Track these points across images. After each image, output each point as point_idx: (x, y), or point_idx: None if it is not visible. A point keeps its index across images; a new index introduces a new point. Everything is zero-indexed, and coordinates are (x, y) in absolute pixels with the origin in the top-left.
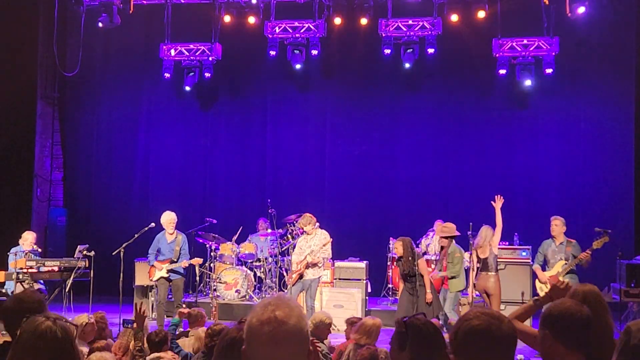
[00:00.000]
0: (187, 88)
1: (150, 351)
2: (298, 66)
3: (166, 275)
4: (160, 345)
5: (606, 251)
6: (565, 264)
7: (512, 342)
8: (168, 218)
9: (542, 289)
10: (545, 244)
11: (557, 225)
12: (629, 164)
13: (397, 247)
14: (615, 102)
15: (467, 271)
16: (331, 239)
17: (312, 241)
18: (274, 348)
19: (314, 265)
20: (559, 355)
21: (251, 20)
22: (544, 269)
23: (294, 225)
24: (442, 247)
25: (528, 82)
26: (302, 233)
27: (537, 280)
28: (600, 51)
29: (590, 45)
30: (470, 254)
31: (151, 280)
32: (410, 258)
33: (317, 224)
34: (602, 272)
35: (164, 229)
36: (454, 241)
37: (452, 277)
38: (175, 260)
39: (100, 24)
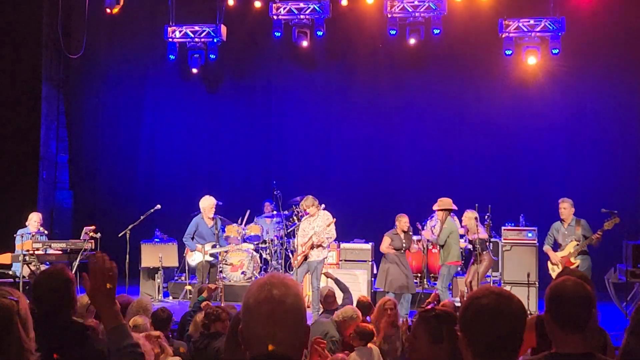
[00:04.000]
0: (193, 70)
1: (155, 328)
2: (303, 47)
3: (211, 259)
4: (166, 323)
5: (612, 232)
6: (577, 244)
7: (521, 321)
8: (210, 203)
9: (554, 270)
10: (555, 226)
11: (566, 208)
12: (636, 145)
13: (405, 221)
14: (623, 83)
15: (470, 251)
16: (335, 219)
17: (315, 222)
18: (273, 327)
19: (319, 246)
20: (555, 336)
21: (256, 2)
22: (555, 251)
23: (299, 207)
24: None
25: (532, 67)
26: (306, 214)
27: (548, 262)
28: (608, 31)
29: (597, 25)
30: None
31: (191, 263)
32: (411, 234)
33: (323, 205)
34: (608, 253)
35: (200, 213)
36: (450, 215)
37: (441, 247)
38: (217, 244)
39: (107, 10)
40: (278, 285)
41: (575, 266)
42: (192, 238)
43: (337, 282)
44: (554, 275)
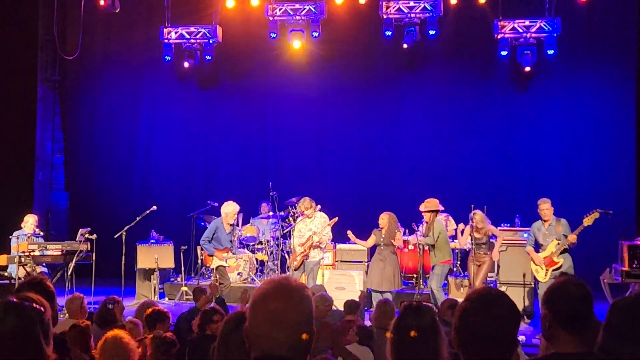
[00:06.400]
0: (188, 71)
1: (147, 327)
2: (299, 48)
3: (226, 264)
4: (155, 322)
5: (608, 232)
6: (558, 243)
7: (513, 322)
8: (235, 209)
9: (538, 271)
10: (535, 226)
11: (547, 209)
12: (631, 145)
13: (383, 218)
14: (617, 83)
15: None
16: (337, 218)
17: (312, 224)
18: (276, 328)
19: (318, 246)
20: (556, 337)
21: (252, 2)
22: (536, 251)
23: (296, 208)
24: (426, 222)
25: (528, 69)
26: (302, 215)
27: (531, 264)
28: (603, 32)
29: (593, 26)
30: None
31: (208, 267)
32: (396, 231)
33: (319, 206)
34: (603, 253)
35: (219, 217)
36: (438, 216)
37: (431, 247)
38: (232, 250)
39: (102, 1)
40: (286, 287)
41: (558, 265)
42: (209, 241)
43: None
44: (538, 276)
